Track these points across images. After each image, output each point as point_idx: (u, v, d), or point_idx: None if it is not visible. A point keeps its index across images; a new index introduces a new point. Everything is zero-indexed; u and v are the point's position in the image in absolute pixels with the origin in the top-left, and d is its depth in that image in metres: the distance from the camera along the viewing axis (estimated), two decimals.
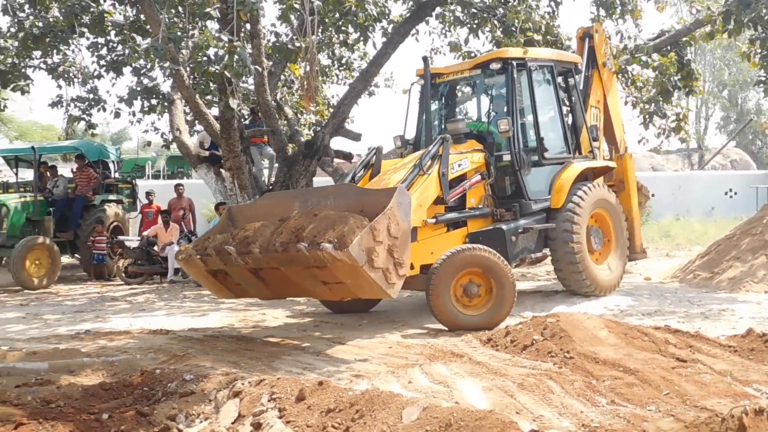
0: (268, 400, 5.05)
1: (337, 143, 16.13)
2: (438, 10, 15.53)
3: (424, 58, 10.51)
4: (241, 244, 7.67)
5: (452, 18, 15.81)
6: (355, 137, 16.08)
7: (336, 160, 15.99)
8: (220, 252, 7.82)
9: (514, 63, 10.10)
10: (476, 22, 14.80)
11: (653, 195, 13.09)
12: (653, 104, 15.48)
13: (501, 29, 14.33)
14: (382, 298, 8.63)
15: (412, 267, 8.21)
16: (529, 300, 10.40)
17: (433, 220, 9.07)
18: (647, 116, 15.58)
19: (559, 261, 10.13)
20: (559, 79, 10.88)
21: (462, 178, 9.57)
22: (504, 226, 9.55)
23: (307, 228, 7.35)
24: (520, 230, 9.72)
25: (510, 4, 14.48)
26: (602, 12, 14.38)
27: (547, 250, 10.42)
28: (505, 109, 10.08)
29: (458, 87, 11.28)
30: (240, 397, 5.32)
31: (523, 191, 9.94)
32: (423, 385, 5.72)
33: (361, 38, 14.95)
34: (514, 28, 13.79)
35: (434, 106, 10.84)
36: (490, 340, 7.38)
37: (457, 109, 11.76)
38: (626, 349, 6.40)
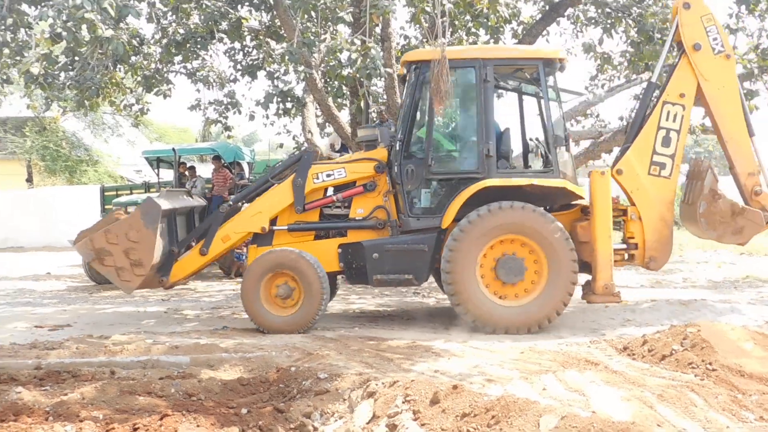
0: (403, 402, 5.07)
1: None
2: (570, 10, 15.22)
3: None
4: None
5: (585, 18, 15.46)
6: None
7: None
8: None
9: (413, 66, 9.40)
10: (610, 21, 14.41)
11: None
12: None
13: (636, 29, 13.91)
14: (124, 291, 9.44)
15: None
16: (666, 308, 10.04)
17: (283, 228, 9.46)
18: None
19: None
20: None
21: (342, 187, 9.57)
22: (366, 242, 9.23)
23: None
24: (386, 248, 9.19)
25: (645, 2, 14.04)
26: (743, 9, 13.69)
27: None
28: (402, 116, 9.47)
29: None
30: (374, 397, 5.36)
31: (404, 206, 9.25)
32: (558, 393, 5.60)
33: (492, 40, 14.85)
34: (649, 28, 13.37)
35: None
36: (626, 349, 7.18)
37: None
38: None
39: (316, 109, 16.52)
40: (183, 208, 9.94)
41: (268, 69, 15.61)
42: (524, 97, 10.45)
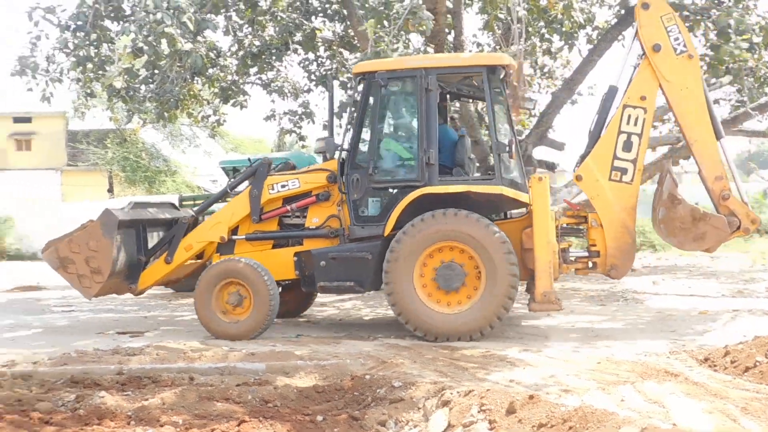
0: (478, 411, 5.04)
1: (540, 153, 15.95)
2: None
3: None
4: None
5: None
6: (559, 146, 15.82)
7: (539, 170, 15.80)
8: None
9: (360, 77, 9.42)
10: (688, 24, 14.09)
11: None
12: None
13: (715, 32, 13.57)
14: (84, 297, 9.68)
15: None
16: (749, 318, 9.75)
17: (241, 237, 9.82)
18: None
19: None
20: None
21: (297, 197, 9.75)
22: (314, 250, 9.39)
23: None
24: (331, 256, 9.29)
25: (725, 5, 13.69)
26: None
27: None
28: (349, 126, 9.54)
29: None
30: (449, 406, 5.34)
31: (350, 215, 9.36)
32: (636, 404, 5.48)
33: (566, 46, 14.71)
34: (729, 30, 13.02)
35: None
36: (707, 360, 6.99)
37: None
38: None
39: None
40: (155, 219, 10.26)
41: (341, 79, 15.75)
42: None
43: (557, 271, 9.09)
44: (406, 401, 5.75)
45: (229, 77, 15.45)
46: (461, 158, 9.71)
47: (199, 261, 10.26)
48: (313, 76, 16.12)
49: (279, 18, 14.50)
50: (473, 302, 8.76)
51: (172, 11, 10.02)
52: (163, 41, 10.30)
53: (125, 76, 11.64)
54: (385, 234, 9.09)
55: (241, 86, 15.56)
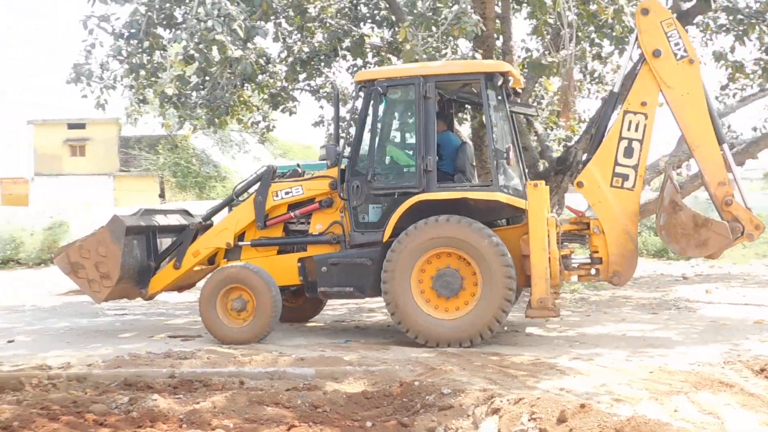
0: (528, 420, 5.00)
1: None
2: (699, 18, 14.70)
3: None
4: None
5: (715, 26, 14.91)
6: None
7: None
8: None
9: (361, 85, 9.52)
10: (742, 28, 13.84)
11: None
12: None
13: None
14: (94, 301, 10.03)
15: None
16: None
17: (246, 243, 9.99)
18: None
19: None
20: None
21: (301, 204, 9.90)
22: (316, 256, 9.55)
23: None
24: (332, 262, 9.42)
25: None
26: None
27: None
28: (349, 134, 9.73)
29: None
30: (499, 414, 5.30)
31: (351, 222, 9.47)
32: (690, 415, 5.40)
33: (616, 50, 14.53)
34: None
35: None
36: (764, 371, 6.84)
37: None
38: None
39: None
40: (166, 226, 10.49)
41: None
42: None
43: (558, 278, 9.02)
44: (456, 408, 5.73)
45: (279, 83, 15.57)
46: (462, 165, 9.80)
47: (210, 267, 10.42)
48: None
49: (328, 24, 14.58)
50: (471, 308, 8.81)
51: (222, 19, 10.13)
52: (214, 48, 10.42)
53: (177, 83, 11.83)
54: (384, 240, 9.19)
55: (291, 92, 15.67)
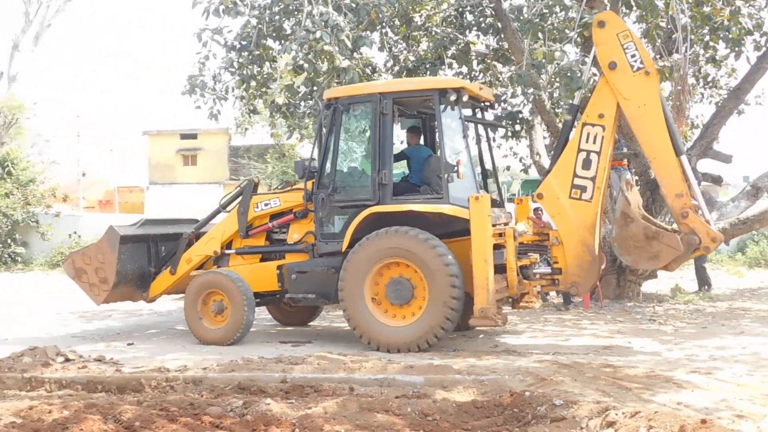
0: None
1: (705, 166, 15.26)
2: None
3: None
4: None
5: None
6: (725, 159, 15.10)
7: (704, 183, 15.13)
8: None
9: (328, 102, 10.05)
10: None
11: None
12: None
13: None
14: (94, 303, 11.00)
15: None
16: None
17: (232, 251, 10.74)
18: None
19: None
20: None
21: (280, 215, 10.56)
22: (287, 264, 10.21)
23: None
24: (299, 269, 10.04)
25: None
26: None
27: None
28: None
29: None
30: (614, 427, 5.18)
31: (317, 232, 10.02)
32: None
33: (732, 53, 14.02)
34: None
35: None
36: None
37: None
38: None
39: (544, 130, 16.37)
40: (167, 234, 11.36)
41: (494, 92, 15.63)
42: (479, 126, 10.90)
43: (516, 288, 9.38)
44: (568, 420, 5.62)
45: None
46: (428, 176, 10.06)
47: None
48: None
49: (433, 33, 14.61)
50: (419, 315, 9.18)
51: (330, 30, 10.28)
52: (323, 58, 10.59)
53: (286, 93, 12.10)
54: (343, 250, 9.64)
55: None
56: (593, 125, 9.53)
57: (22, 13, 33.31)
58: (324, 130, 10.14)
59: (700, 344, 9.49)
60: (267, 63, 12.93)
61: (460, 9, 14.66)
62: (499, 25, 13.56)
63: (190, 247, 11.10)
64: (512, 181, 37.82)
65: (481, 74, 16.33)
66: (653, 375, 7.33)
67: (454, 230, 9.44)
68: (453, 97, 9.47)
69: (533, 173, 18.45)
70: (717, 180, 15.44)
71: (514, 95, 15.94)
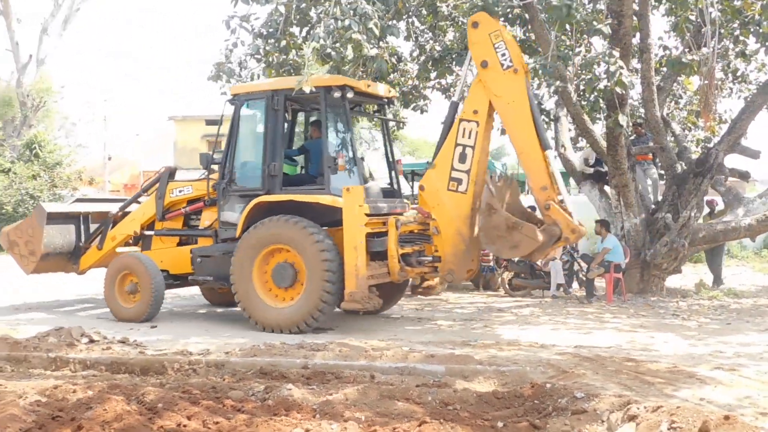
0: (668, 429, 4.82)
1: (732, 161, 15.12)
2: None
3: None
4: None
5: None
6: (753, 155, 14.95)
7: (730, 179, 14.98)
8: None
9: (235, 98, 10.75)
10: None
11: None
12: None
13: None
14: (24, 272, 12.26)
15: None
16: None
17: (151, 233, 11.65)
18: None
19: None
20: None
21: (194, 201, 11.31)
22: (194, 249, 11.02)
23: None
24: (201, 254, 10.85)
25: None
26: None
27: None
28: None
29: None
30: (636, 421, 5.13)
31: (219, 219, 10.74)
32: None
33: (762, 48, 13.85)
34: None
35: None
36: None
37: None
38: None
39: (570, 123, 16.27)
40: (98, 213, 12.43)
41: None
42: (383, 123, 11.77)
43: (397, 275, 9.95)
44: (590, 413, 5.59)
45: (410, 82, 15.64)
46: (321, 169, 10.49)
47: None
48: None
49: (460, 23, 14.54)
50: (298, 298, 9.84)
51: (358, 18, 10.26)
52: (349, 47, 10.58)
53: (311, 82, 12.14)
54: (237, 236, 10.33)
55: (422, 91, 15.72)
56: (468, 121, 10.13)
57: None
58: (227, 124, 10.85)
59: (724, 340, 9.42)
60: (293, 51, 12.95)
61: None
62: (527, 15, 13.45)
63: (115, 225, 12.11)
64: None
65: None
66: (676, 370, 7.28)
67: (338, 219, 9.91)
68: (337, 94, 10.06)
69: (558, 165, 18.35)
70: (744, 176, 15.28)
71: (539, 86, 15.84)
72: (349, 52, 10.86)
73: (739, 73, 17.21)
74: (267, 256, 10.07)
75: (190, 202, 11.34)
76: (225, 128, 10.97)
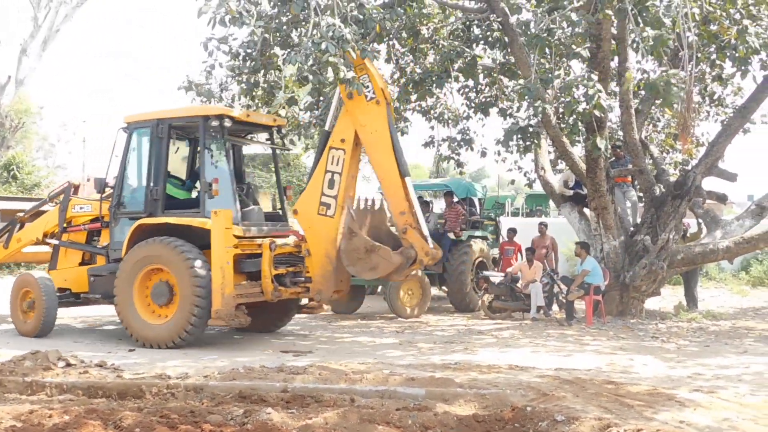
0: None
1: (710, 183, 15.25)
2: None
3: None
4: None
5: None
6: (730, 177, 15.08)
7: (708, 201, 15.11)
8: None
9: (127, 126, 11.31)
10: None
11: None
12: None
13: None
14: None
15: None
16: None
17: (54, 242, 12.07)
18: None
19: None
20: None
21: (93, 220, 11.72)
22: (89, 268, 11.51)
23: None
24: (94, 272, 11.37)
25: None
26: None
27: None
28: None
29: None
30: None
31: (110, 239, 11.29)
32: None
33: (738, 72, 14.02)
34: None
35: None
36: None
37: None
38: None
39: (550, 145, 16.36)
40: (5, 211, 13.19)
41: (500, 106, 15.63)
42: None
43: (270, 294, 10.47)
44: None
45: (391, 104, 15.65)
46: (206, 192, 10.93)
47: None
48: (472, 104, 16.08)
49: (440, 46, 14.62)
50: (172, 315, 10.32)
51: (336, 41, 10.27)
52: (328, 69, 10.61)
53: (286, 106, 12.26)
54: (122, 256, 10.77)
55: (402, 113, 15.75)
56: (337, 149, 10.81)
57: (30, 18, 33.45)
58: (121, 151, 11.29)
59: (703, 362, 9.46)
60: (272, 71, 12.97)
61: (468, 22, 14.68)
62: (506, 39, 13.56)
63: (22, 228, 12.66)
64: (516, 196, 37.77)
65: (488, 88, 16.35)
66: (656, 392, 7.29)
67: (202, 241, 10.36)
68: (215, 123, 10.62)
69: (537, 187, 18.43)
70: (722, 198, 15.40)
71: (519, 109, 15.91)
72: (330, 75, 10.90)
73: (715, 97, 17.42)
74: (149, 274, 10.59)
75: (94, 220, 11.72)
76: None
